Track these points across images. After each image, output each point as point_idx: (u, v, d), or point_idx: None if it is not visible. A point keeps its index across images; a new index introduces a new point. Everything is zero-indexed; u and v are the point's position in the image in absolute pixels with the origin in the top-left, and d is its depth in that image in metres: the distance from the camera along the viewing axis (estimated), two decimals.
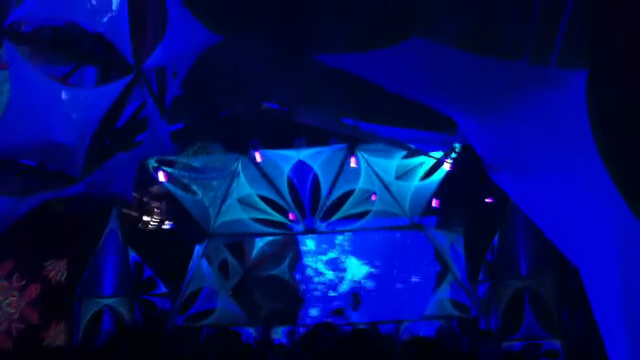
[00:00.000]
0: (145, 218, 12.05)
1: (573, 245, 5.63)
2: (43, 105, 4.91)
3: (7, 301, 12.08)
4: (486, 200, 12.14)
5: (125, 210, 11.64)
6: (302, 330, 12.89)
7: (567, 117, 5.26)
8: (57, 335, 12.05)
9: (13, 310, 12.12)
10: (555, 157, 5.71)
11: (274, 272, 14.02)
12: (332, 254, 13.79)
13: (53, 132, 4.93)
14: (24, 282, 12.14)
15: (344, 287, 13.57)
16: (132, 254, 11.66)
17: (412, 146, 9.86)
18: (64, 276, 12.11)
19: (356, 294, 12.67)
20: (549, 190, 5.86)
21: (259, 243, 13.83)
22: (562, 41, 6.54)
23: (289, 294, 13.89)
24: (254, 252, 13.96)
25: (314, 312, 13.53)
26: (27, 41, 5.19)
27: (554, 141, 5.60)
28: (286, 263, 14.04)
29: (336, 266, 13.76)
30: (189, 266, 12.00)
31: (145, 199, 11.66)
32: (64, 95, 5.04)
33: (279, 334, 12.59)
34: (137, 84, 5.51)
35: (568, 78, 5.23)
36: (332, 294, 13.77)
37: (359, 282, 13.55)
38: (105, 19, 5.34)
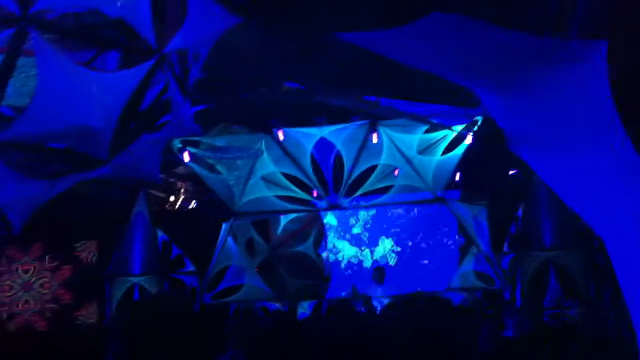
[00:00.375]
0: (172, 199, 12.25)
1: (598, 218, 5.65)
2: (70, 90, 5.04)
3: (39, 282, 12.46)
4: (509, 172, 12.14)
5: (152, 192, 11.87)
6: (326, 304, 13.10)
7: (589, 91, 5.27)
8: (89, 314, 12.40)
9: (46, 291, 12.50)
10: (577, 130, 5.70)
11: (299, 248, 14.18)
12: (356, 230, 13.90)
13: (80, 115, 5.06)
14: (55, 264, 12.50)
15: (368, 262, 13.69)
16: (160, 233, 11.92)
17: (434, 121, 9.88)
18: (95, 257, 12.43)
19: (380, 268, 12.77)
20: (572, 164, 5.86)
21: (284, 220, 13.98)
22: (582, 13, 6.52)
23: (314, 270, 14.05)
24: (279, 229, 14.13)
25: (339, 287, 13.67)
26: (51, 29, 5.31)
27: (576, 115, 5.60)
28: (311, 240, 14.19)
29: (360, 241, 13.88)
30: (216, 245, 12.21)
31: (171, 180, 11.85)
32: (89, 80, 5.18)
33: (304, 308, 12.78)
34: (159, 67, 5.61)
35: (589, 51, 5.22)
36: (356, 268, 13.90)
37: (384, 257, 13.66)
38: (126, 4, 5.44)
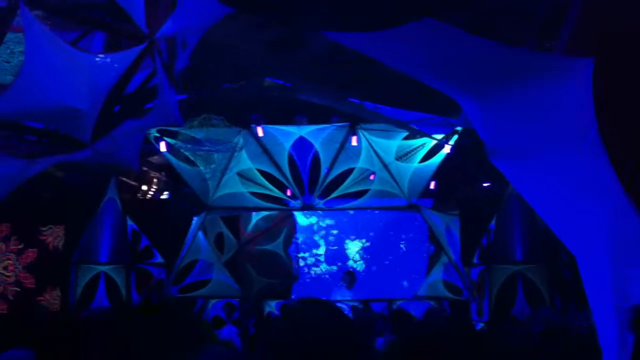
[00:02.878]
0: (144, 188, 12.08)
1: (571, 233, 5.70)
2: (57, 69, 4.92)
3: (2, 264, 12.17)
4: (484, 184, 12.24)
5: (124, 179, 11.69)
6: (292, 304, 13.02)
7: (571, 105, 5.30)
8: (52, 300, 12.16)
9: (9, 274, 12.21)
10: (557, 144, 5.73)
11: (269, 247, 14.10)
12: (328, 232, 13.87)
13: (67, 96, 4.94)
14: (21, 246, 12.23)
15: (338, 265, 13.66)
16: (130, 222, 11.74)
17: (415, 127, 9.89)
18: (61, 242, 12.19)
19: (351, 272, 12.77)
20: (550, 178, 5.90)
21: (255, 217, 13.90)
22: (569, 28, 6.57)
23: (283, 269, 13.98)
24: (250, 226, 14.04)
25: (307, 287, 13.62)
26: (40, 5, 5.18)
27: (557, 129, 5.63)
28: (281, 238, 14.12)
29: (332, 243, 13.85)
30: (186, 238, 12.07)
31: (144, 169, 11.67)
32: (78, 60, 5.06)
33: (272, 307, 12.72)
34: (148, 53, 5.51)
35: (574, 66, 5.25)
36: (325, 271, 13.86)
37: (354, 261, 13.65)
38: None
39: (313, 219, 13.78)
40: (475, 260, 11.63)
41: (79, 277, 11.27)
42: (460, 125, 9.74)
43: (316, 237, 13.88)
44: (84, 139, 5.40)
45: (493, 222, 11.22)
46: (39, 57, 4.87)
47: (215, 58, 8.30)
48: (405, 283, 13.23)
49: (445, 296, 12.14)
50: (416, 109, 9.27)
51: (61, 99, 4.97)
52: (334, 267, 13.69)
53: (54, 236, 12.26)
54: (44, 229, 12.22)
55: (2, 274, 12.07)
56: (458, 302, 12.03)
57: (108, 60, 5.30)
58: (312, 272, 13.79)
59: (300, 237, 13.88)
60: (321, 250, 13.80)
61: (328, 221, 13.77)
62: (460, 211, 12.19)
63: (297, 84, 8.64)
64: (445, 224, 11.97)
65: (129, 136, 5.99)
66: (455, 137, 10.54)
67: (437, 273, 12.37)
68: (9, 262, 12.15)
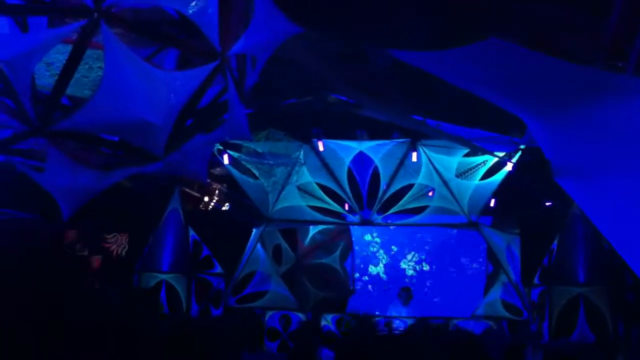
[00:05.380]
0: (206, 199, 12.32)
1: (637, 256, 5.60)
2: (134, 85, 5.09)
3: None
4: (546, 203, 12.05)
5: (187, 190, 11.95)
6: (349, 318, 13.07)
7: (638, 126, 5.23)
8: None
9: None
10: (624, 165, 5.66)
11: (325, 260, 14.17)
12: (385, 247, 13.86)
13: (141, 111, 5.10)
14: (85, 252, 12.61)
15: (395, 281, 13.62)
16: (192, 232, 11.98)
17: (477, 145, 9.84)
18: (125, 249, 12.52)
19: (407, 288, 12.71)
20: (616, 199, 5.82)
21: (312, 231, 14.00)
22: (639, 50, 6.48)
23: (339, 283, 14.02)
24: (307, 239, 14.14)
25: (362, 302, 13.63)
26: (118, 22, 5.38)
27: (625, 150, 5.56)
28: (338, 252, 14.17)
29: (388, 259, 13.83)
30: (246, 249, 12.25)
31: (207, 181, 11.92)
32: (154, 77, 5.23)
33: (328, 321, 12.76)
34: (220, 70, 5.65)
35: None
36: (381, 286, 13.85)
37: (411, 277, 13.60)
38: (194, 5, 5.49)
39: (370, 235, 13.79)
40: (536, 280, 11.43)
41: (141, 284, 11.53)
42: (523, 144, 9.65)
43: (373, 252, 13.89)
44: (156, 152, 5.57)
45: (555, 242, 11.02)
46: (117, 73, 5.06)
47: (280, 74, 8.44)
48: (461, 302, 13.10)
49: (504, 316, 11.95)
50: (479, 126, 9.22)
51: (137, 113, 5.14)
52: (390, 283, 13.66)
53: (117, 244, 12.61)
54: (109, 236, 12.59)
55: None
56: (517, 322, 11.84)
57: (182, 76, 5.47)
58: (369, 287, 13.79)
59: (357, 252, 13.91)
60: (378, 266, 13.80)
61: (386, 237, 13.77)
62: (521, 230, 12.03)
63: (360, 100, 8.71)
64: (506, 243, 11.82)
65: (198, 150, 6.15)
66: (518, 154, 10.43)
67: (495, 292, 12.20)
68: None
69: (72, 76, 5.26)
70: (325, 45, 7.85)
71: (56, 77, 5.46)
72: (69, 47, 5.31)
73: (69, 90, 5.92)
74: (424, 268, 13.60)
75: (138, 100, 5.04)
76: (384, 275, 13.80)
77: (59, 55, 5.77)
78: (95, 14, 4.97)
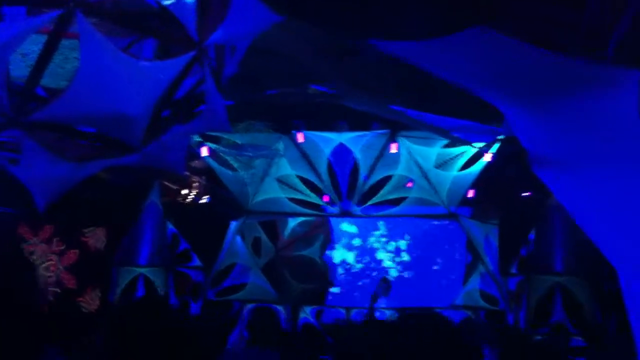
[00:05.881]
0: (184, 192, 12.24)
1: (614, 247, 5.63)
2: (111, 76, 5.02)
3: (45, 265, 12.41)
4: (524, 194, 12.13)
5: (165, 183, 11.85)
6: (328, 311, 13.10)
7: (618, 118, 5.25)
8: (92, 301, 12.36)
9: (50, 274, 12.45)
10: (603, 156, 5.67)
11: (305, 252, 14.15)
12: (364, 239, 13.88)
13: (119, 102, 5.04)
14: (63, 247, 12.46)
15: (374, 272, 13.65)
16: (169, 226, 11.90)
17: (457, 135, 9.86)
18: (102, 244, 12.39)
19: (386, 279, 12.72)
20: (594, 190, 5.83)
21: (292, 223, 13.96)
22: (618, 39, 6.50)
23: (319, 275, 14.01)
24: (287, 231, 14.11)
25: (342, 294, 13.65)
26: (95, 12, 5.29)
27: (603, 140, 5.57)
28: (318, 244, 14.16)
29: (368, 251, 13.85)
30: (224, 241, 12.18)
31: (185, 173, 11.82)
32: (131, 67, 5.16)
33: (306, 313, 12.76)
34: (198, 59, 5.58)
35: (622, 77, 5.20)
36: (361, 277, 13.86)
37: (390, 268, 13.63)
38: None
39: (350, 226, 13.79)
40: (513, 270, 11.52)
41: (119, 278, 11.44)
42: (503, 134, 9.68)
43: (352, 244, 13.90)
44: (134, 143, 5.50)
45: (533, 232, 11.11)
46: (94, 63, 4.98)
47: (261, 64, 8.37)
48: (439, 292, 13.17)
49: (482, 306, 12.05)
50: (459, 116, 9.23)
51: (113, 104, 5.07)
52: (369, 275, 13.69)
53: (95, 238, 12.47)
54: (86, 230, 12.44)
55: (44, 274, 12.30)
56: (494, 312, 11.93)
57: (158, 66, 5.40)
58: (348, 279, 13.80)
59: (336, 244, 13.91)
60: (357, 257, 13.81)
61: (365, 228, 13.78)
62: (499, 220, 12.10)
63: (341, 91, 8.67)
64: (484, 234, 11.90)
65: (176, 141, 6.08)
66: (497, 145, 10.47)
67: (474, 282, 12.29)
68: (51, 262, 12.38)
69: (47, 66, 5.17)
70: (306, 36, 7.80)
71: (31, 68, 5.36)
72: (44, 38, 5.21)
73: (45, 81, 5.82)
74: (404, 259, 13.63)
75: (114, 91, 4.97)
76: (362, 266, 13.81)
77: (34, 46, 5.67)
78: (72, 3, 4.88)
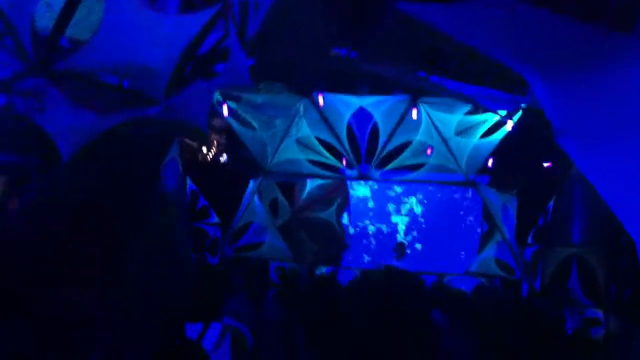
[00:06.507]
0: (204, 150, 12.30)
1: (636, 219, 5.61)
2: (134, 28, 5.05)
3: None
4: (544, 164, 12.05)
5: (186, 140, 11.91)
6: (344, 272, 13.20)
7: None
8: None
9: None
10: (628, 130, 5.63)
11: (322, 215, 14.22)
12: (381, 203, 13.90)
13: (141, 54, 5.08)
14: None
15: (390, 236, 13.71)
16: (189, 183, 11.98)
17: (479, 102, 9.79)
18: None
19: (402, 243, 12.81)
20: (618, 163, 5.80)
21: (310, 185, 14.01)
22: None
23: (335, 238, 14.10)
24: (304, 193, 14.17)
25: (357, 256, 13.74)
26: None
27: (629, 113, 5.53)
28: (334, 207, 14.21)
29: (384, 215, 13.88)
30: (242, 200, 12.28)
31: (206, 131, 11.87)
32: (154, 21, 5.18)
33: (322, 272, 12.87)
34: (222, 15, 5.59)
35: None
36: (376, 241, 13.93)
37: (406, 233, 13.68)
38: None
39: (367, 190, 13.82)
40: (529, 240, 11.51)
41: None
42: (525, 103, 9.61)
43: (369, 207, 13.94)
44: (156, 95, 5.55)
45: (551, 202, 11.06)
46: (117, 16, 5.01)
47: (284, 25, 8.34)
48: (455, 258, 13.21)
49: (497, 274, 12.08)
50: (483, 84, 9.17)
51: (136, 56, 5.12)
52: (385, 239, 13.74)
53: None
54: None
55: None
56: (509, 280, 11.97)
57: (182, 21, 5.42)
58: (364, 242, 13.88)
59: (353, 207, 13.95)
60: (373, 220, 13.86)
61: (382, 192, 13.80)
62: (518, 190, 12.06)
63: (364, 55, 8.63)
64: (502, 203, 11.87)
65: (199, 96, 6.12)
66: (519, 114, 10.39)
67: (490, 250, 12.31)
68: None
69: (72, 17, 5.20)
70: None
71: (56, 19, 5.40)
72: None
73: (69, 32, 5.86)
74: (419, 224, 13.66)
75: (137, 43, 5.01)
76: (378, 231, 13.87)
77: None
78: None
